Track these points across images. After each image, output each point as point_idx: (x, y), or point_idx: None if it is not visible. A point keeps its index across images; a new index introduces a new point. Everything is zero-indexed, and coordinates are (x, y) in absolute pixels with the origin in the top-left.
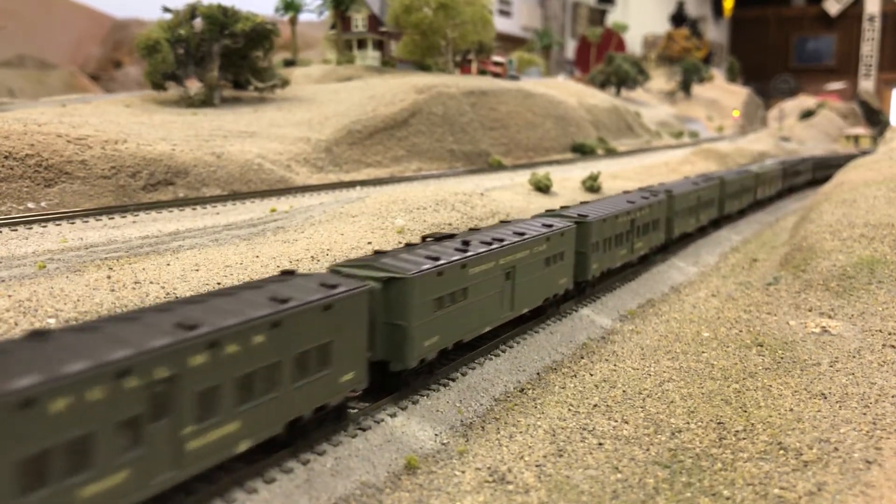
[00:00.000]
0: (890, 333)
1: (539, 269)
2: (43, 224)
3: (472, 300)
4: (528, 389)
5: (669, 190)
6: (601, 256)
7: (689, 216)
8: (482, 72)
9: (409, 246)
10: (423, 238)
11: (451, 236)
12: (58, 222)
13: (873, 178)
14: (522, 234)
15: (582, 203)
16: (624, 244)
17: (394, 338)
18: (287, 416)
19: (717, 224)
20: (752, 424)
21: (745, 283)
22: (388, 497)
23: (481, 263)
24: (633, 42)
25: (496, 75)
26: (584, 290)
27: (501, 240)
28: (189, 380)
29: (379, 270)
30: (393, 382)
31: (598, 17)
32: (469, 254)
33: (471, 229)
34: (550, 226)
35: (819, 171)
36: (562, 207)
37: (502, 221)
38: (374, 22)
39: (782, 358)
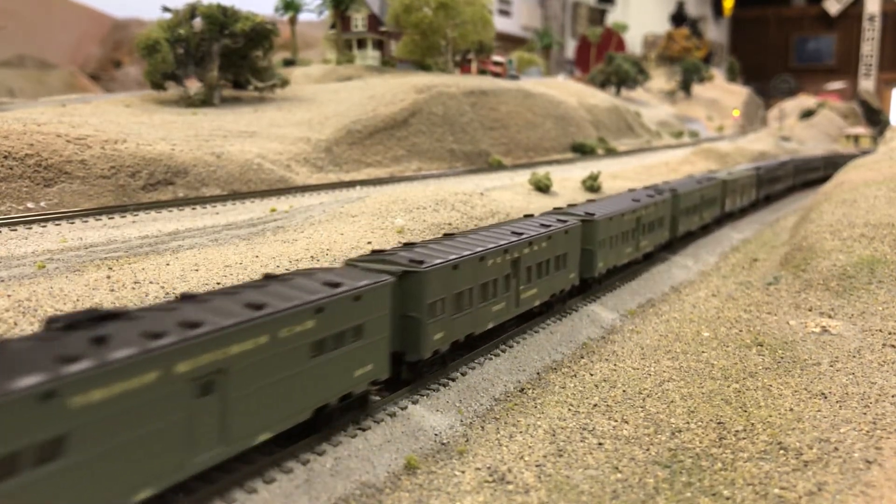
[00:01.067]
0: (890, 333)
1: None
2: (42, 224)
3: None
4: (528, 389)
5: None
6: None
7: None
8: (482, 72)
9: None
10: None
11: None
12: (57, 222)
13: (873, 177)
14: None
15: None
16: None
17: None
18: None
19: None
20: (753, 424)
21: (746, 282)
22: (388, 497)
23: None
24: (634, 42)
25: (496, 75)
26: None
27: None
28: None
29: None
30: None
31: (598, 16)
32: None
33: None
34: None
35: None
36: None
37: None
38: (373, 22)
39: (782, 358)
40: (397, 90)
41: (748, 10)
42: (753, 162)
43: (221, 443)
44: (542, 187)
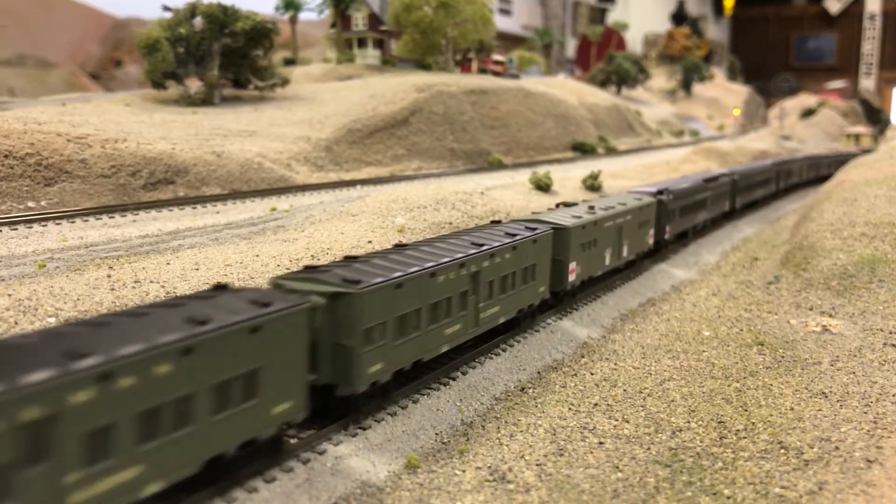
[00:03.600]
0: (891, 332)
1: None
2: (43, 223)
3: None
4: (529, 388)
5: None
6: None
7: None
8: (482, 70)
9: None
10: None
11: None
12: (58, 221)
13: (874, 176)
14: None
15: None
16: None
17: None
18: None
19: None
20: (753, 423)
21: (746, 281)
22: (389, 496)
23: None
24: (634, 41)
25: (496, 74)
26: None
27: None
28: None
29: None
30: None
31: (598, 15)
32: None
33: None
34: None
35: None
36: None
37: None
38: (374, 21)
39: (783, 357)
40: (397, 89)
41: (749, 9)
42: (753, 160)
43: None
44: (543, 186)
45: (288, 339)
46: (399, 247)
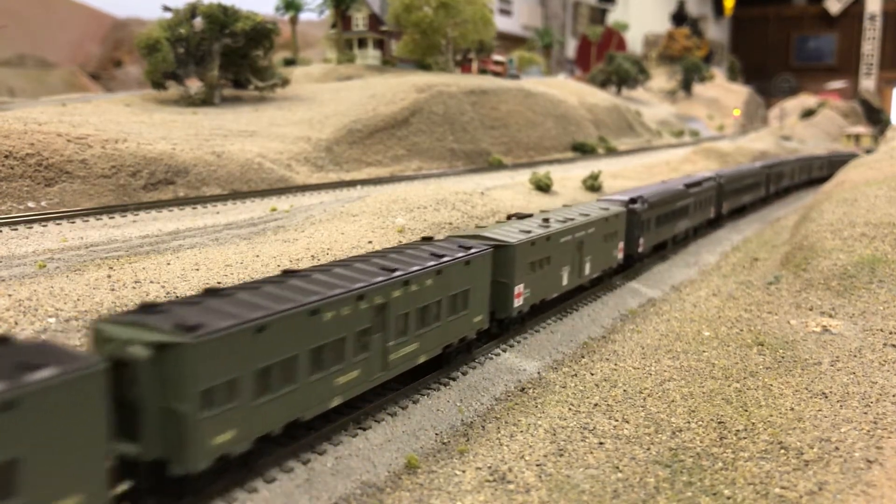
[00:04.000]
0: (891, 332)
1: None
2: (43, 223)
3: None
4: (529, 389)
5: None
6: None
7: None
8: (483, 71)
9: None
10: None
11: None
12: (58, 221)
13: (874, 177)
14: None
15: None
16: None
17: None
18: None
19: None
20: (753, 424)
21: (746, 282)
22: (389, 496)
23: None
24: (634, 41)
25: (497, 74)
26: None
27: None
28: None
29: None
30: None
31: (598, 16)
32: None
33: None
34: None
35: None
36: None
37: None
38: (374, 21)
39: (783, 357)
40: (398, 89)
41: (749, 10)
42: (754, 160)
43: None
44: (543, 186)
45: (67, 415)
46: (287, 273)
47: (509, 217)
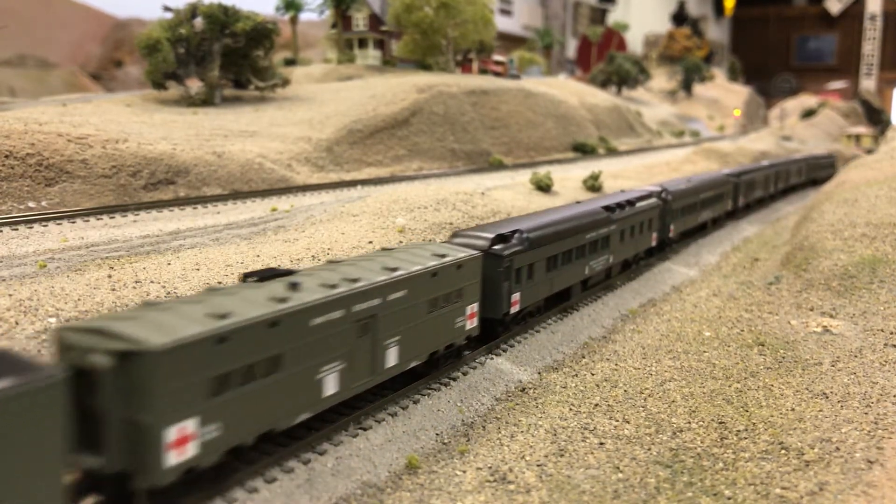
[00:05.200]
0: (891, 333)
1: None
2: (44, 223)
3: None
4: (530, 389)
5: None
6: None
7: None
8: (483, 71)
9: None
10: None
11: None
12: (58, 221)
13: (874, 177)
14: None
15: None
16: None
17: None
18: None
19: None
20: (754, 424)
21: (747, 282)
22: (390, 497)
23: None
24: (634, 41)
25: (497, 74)
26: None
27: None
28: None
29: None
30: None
31: (599, 16)
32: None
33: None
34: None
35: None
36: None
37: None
38: (374, 21)
39: (784, 357)
40: (398, 90)
41: (749, 10)
42: (754, 161)
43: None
44: (543, 187)
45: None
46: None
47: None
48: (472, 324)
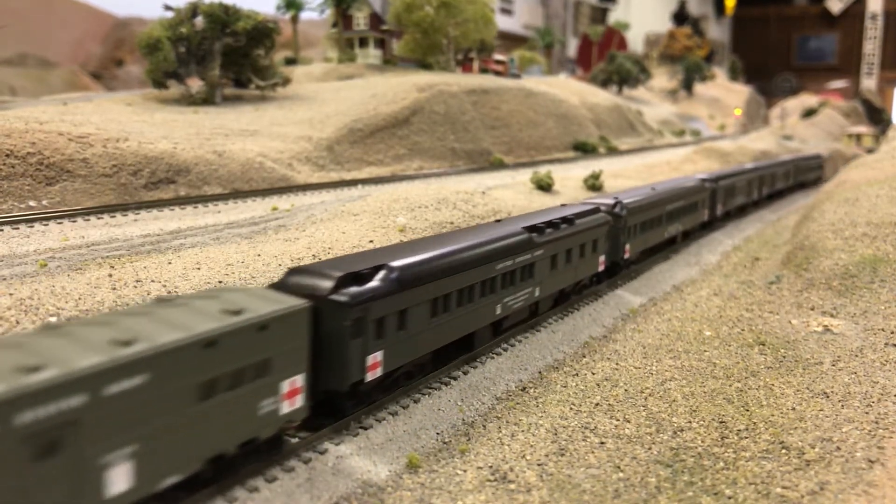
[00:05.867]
0: (892, 332)
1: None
2: (44, 222)
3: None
4: (530, 388)
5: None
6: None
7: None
8: (484, 70)
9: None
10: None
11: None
12: (59, 220)
13: (875, 176)
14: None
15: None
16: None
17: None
18: None
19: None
20: (754, 423)
21: (747, 281)
22: (390, 496)
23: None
24: (635, 41)
25: (498, 74)
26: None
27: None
28: None
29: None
30: None
31: (599, 15)
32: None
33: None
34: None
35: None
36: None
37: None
38: (375, 20)
39: (784, 357)
40: (399, 89)
41: (750, 9)
42: (754, 160)
43: None
44: (544, 186)
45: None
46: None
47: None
48: (293, 405)
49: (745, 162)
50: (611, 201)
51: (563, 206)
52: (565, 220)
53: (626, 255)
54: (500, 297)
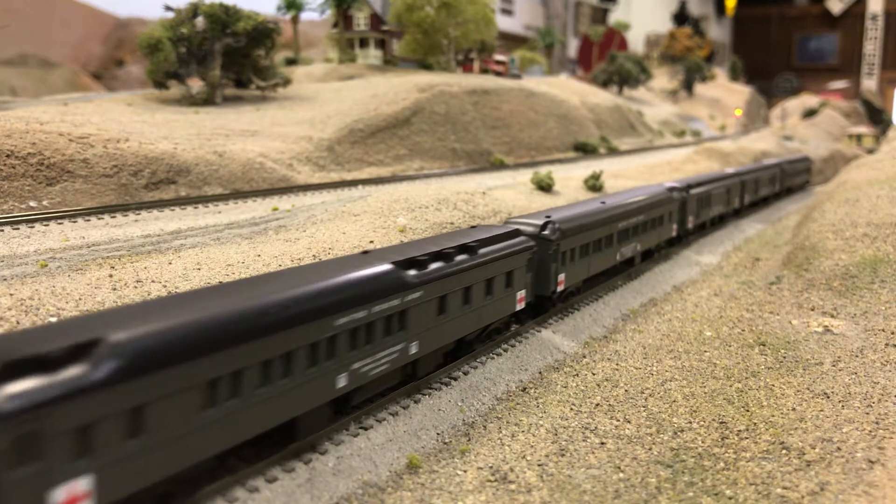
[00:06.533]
0: (893, 332)
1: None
2: (45, 223)
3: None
4: (531, 388)
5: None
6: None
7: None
8: (484, 70)
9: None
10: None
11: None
12: (59, 221)
13: (876, 177)
14: None
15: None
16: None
17: None
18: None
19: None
20: (755, 424)
21: (748, 282)
22: (390, 496)
23: None
24: (636, 41)
25: (498, 74)
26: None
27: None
28: None
29: None
30: None
31: (600, 15)
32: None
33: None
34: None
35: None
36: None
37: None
38: (376, 20)
39: (785, 357)
40: (399, 89)
41: (750, 9)
42: (754, 160)
43: None
44: (545, 186)
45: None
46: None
47: None
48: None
49: (745, 162)
50: (539, 221)
51: (473, 227)
52: (463, 248)
53: (560, 287)
54: (346, 361)
